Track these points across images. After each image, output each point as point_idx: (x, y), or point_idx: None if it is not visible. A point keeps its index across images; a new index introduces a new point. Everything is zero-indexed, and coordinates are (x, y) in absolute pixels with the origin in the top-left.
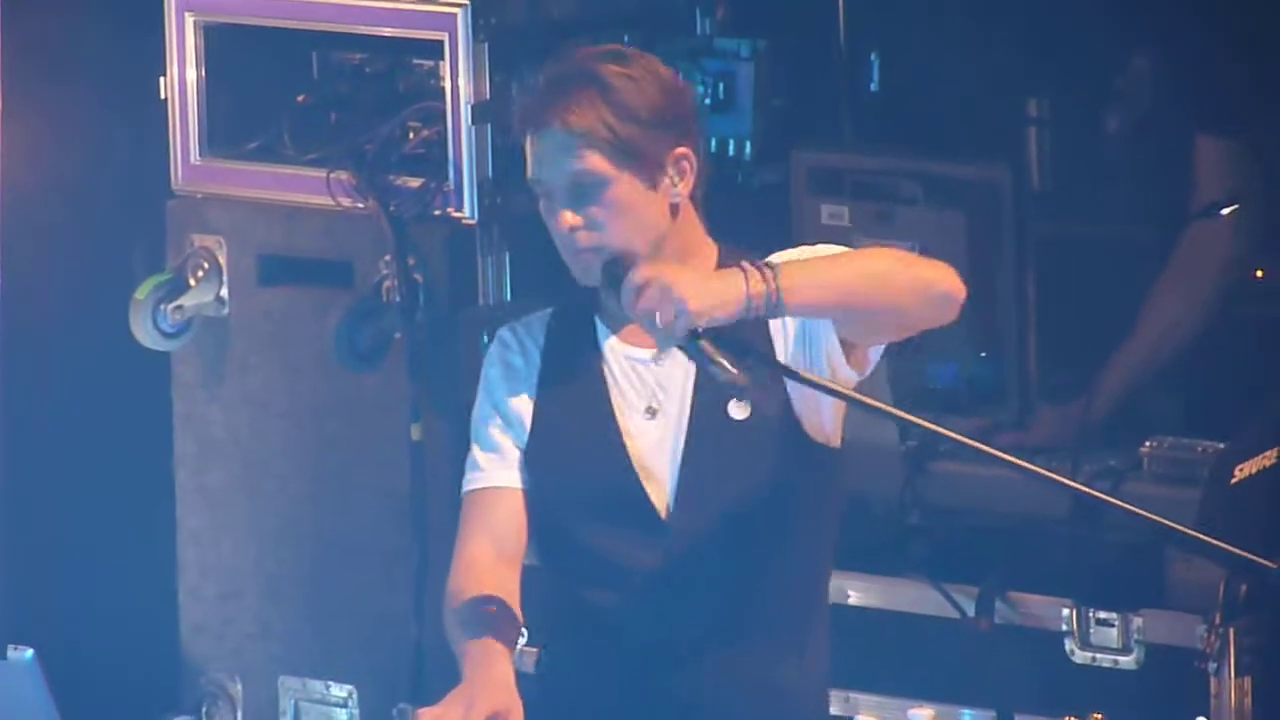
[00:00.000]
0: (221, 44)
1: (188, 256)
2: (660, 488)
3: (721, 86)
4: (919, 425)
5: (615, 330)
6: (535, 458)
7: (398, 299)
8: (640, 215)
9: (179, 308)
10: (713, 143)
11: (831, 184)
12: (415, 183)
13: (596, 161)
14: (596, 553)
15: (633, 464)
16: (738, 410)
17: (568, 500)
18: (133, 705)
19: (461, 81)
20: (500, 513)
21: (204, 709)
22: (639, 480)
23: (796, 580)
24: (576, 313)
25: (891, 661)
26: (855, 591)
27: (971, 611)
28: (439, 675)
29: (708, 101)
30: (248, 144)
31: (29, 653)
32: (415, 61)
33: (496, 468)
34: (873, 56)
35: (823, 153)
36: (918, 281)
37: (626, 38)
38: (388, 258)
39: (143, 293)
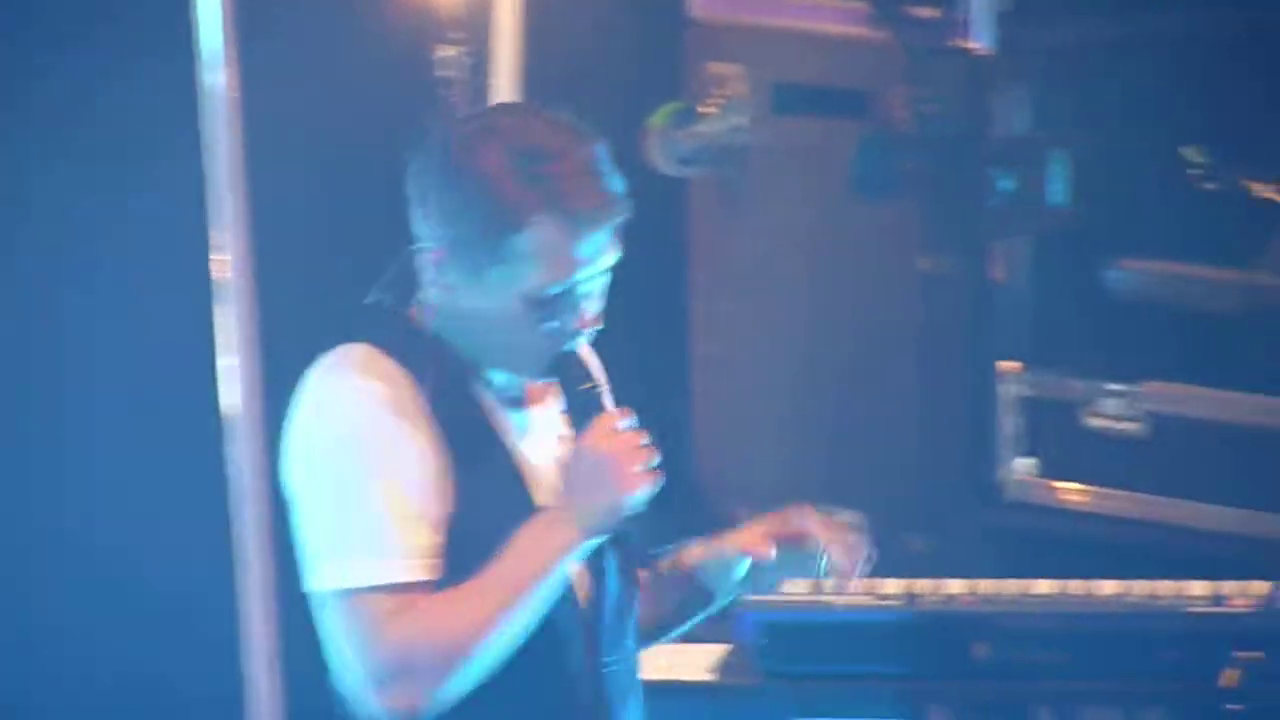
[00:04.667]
0: None
1: (704, 84)
2: None
3: None
4: None
5: None
6: None
7: (911, 130)
8: None
9: (695, 135)
10: None
11: None
12: (931, 13)
13: None
14: None
15: None
16: None
17: None
18: None
19: None
20: None
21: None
22: None
23: None
24: None
25: None
26: None
27: None
28: None
29: None
30: None
31: None
32: None
33: None
34: None
35: None
36: None
37: None
38: (902, 88)
39: (659, 120)
